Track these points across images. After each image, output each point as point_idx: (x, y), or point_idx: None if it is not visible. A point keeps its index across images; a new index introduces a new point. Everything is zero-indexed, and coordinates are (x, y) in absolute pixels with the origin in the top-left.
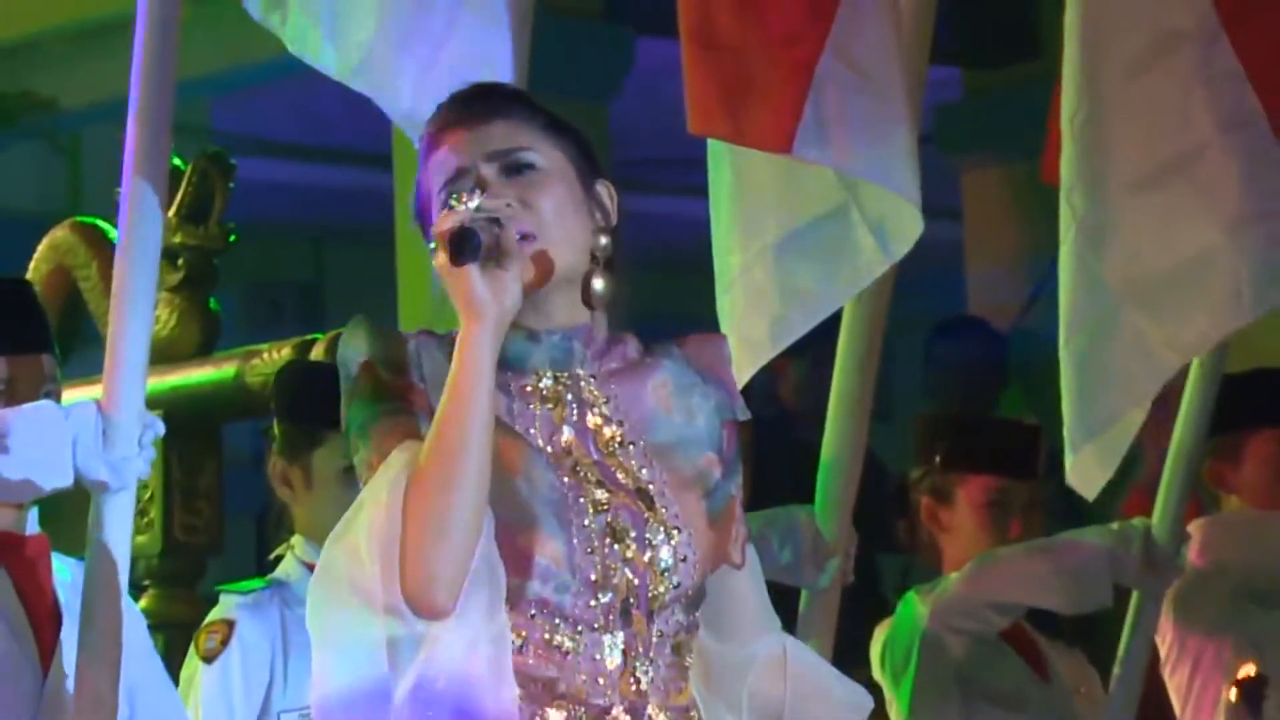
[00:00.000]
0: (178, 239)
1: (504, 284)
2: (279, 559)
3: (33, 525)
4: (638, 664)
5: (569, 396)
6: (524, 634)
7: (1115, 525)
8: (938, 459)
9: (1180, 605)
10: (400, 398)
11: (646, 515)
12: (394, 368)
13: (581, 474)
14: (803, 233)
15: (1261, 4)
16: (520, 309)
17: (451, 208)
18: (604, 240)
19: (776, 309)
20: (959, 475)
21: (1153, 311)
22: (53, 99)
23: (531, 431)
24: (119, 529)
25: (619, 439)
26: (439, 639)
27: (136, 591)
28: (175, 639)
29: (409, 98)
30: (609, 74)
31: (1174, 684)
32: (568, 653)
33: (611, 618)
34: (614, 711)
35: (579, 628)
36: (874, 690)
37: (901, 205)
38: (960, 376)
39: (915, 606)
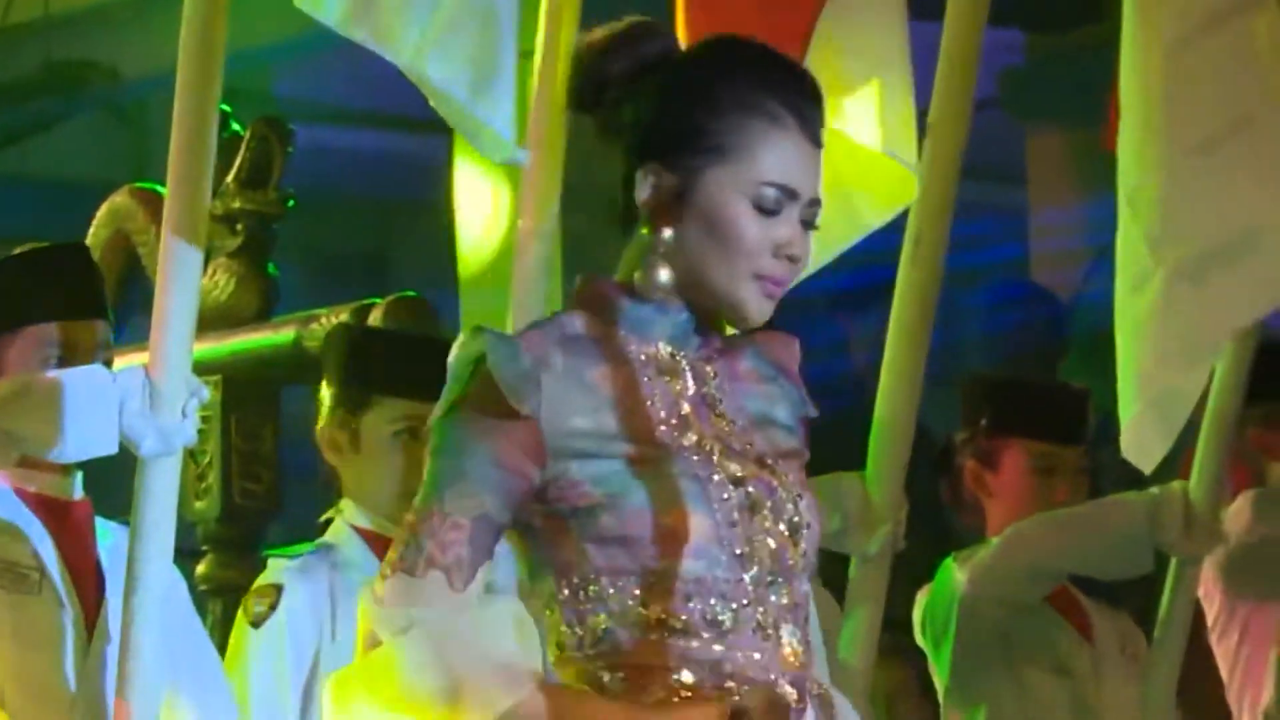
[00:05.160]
0: (236, 204)
1: None
2: (329, 522)
3: (79, 490)
4: (795, 636)
5: (685, 367)
6: (684, 618)
7: (1155, 490)
8: (984, 422)
9: (1229, 573)
10: (496, 436)
11: (774, 484)
12: (509, 389)
13: (707, 448)
14: None
15: None
16: (685, 280)
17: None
18: None
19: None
20: (1005, 439)
21: (1198, 282)
22: (115, 68)
23: (652, 404)
24: (165, 494)
25: (726, 415)
26: None
27: (195, 557)
28: (234, 604)
29: (410, 50)
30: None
31: (1221, 650)
32: (728, 631)
33: (761, 590)
34: (779, 687)
35: (733, 605)
36: (919, 655)
37: (897, 168)
38: (1018, 345)
39: (953, 573)
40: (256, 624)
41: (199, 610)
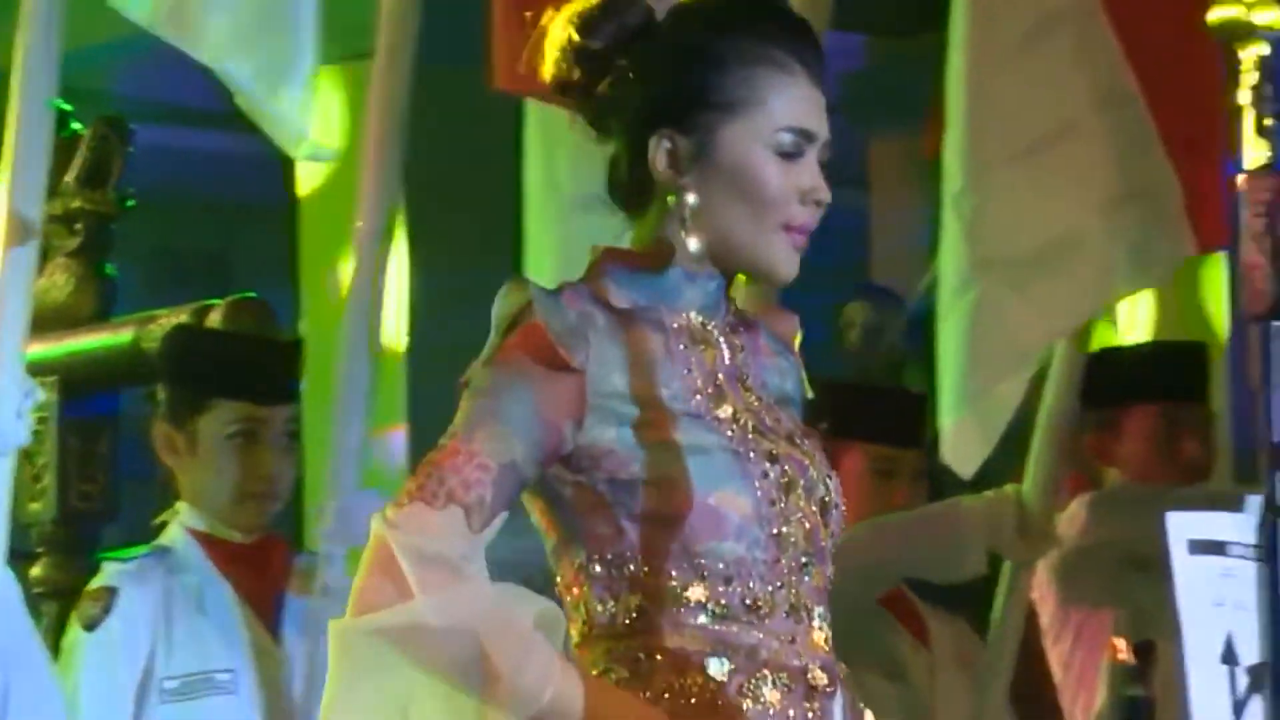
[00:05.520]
0: (75, 204)
1: None
2: (164, 525)
3: None
4: (824, 620)
5: (718, 337)
6: (723, 603)
7: (990, 493)
8: (823, 426)
9: (1063, 577)
10: (539, 384)
11: (805, 462)
12: (560, 340)
13: (742, 422)
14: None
15: None
16: (712, 245)
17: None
18: None
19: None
20: (844, 443)
21: (1018, 288)
22: None
23: (688, 372)
24: None
25: (753, 390)
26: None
27: (30, 559)
28: (69, 607)
29: (213, 48)
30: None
31: (1056, 654)
32: (765, 615)
33: (794, 574)
34: (810, 671)
35: (769, 587)
36: None
37: None
38: (870, 346)
39: None
40: (89, 627)
41: (33, 613)
